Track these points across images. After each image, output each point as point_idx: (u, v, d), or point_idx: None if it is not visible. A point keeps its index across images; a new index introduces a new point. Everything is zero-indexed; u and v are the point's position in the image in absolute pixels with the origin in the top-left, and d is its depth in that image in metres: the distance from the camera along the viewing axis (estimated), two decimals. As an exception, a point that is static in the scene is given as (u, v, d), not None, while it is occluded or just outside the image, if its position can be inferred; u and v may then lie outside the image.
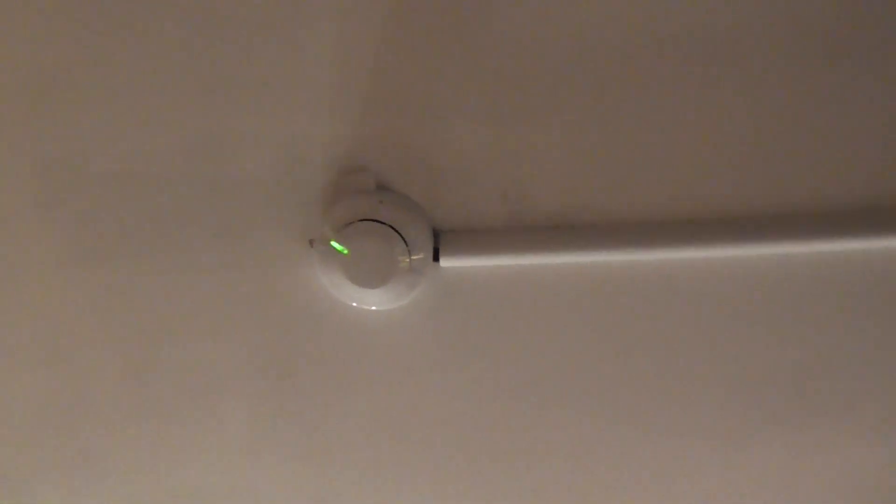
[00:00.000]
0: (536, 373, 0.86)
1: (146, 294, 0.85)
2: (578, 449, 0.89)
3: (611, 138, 0.76)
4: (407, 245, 0.77)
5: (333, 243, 0.75)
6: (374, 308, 0.82)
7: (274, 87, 0.75)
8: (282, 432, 0.91)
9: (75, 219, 0.82)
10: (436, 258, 0.80)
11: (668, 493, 0.91)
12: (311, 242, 0.79)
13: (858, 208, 0.77)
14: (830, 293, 0.80)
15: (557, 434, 0.88)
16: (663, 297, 0.82)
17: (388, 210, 0.77)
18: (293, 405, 0.89)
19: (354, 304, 0.82)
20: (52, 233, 0.83)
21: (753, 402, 0.86)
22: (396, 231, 0.76)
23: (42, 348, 0.88)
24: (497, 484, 0.92)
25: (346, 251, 0.75)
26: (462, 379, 0.86)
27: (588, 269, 0.81)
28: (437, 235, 0.81)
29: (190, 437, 0.92)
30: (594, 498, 0.92)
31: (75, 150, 0.79)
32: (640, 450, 0.89)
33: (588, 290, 0.82)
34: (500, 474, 0.91)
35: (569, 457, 0.89)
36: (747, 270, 0.80)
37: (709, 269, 0.80)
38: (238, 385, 0.89)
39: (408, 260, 0.77)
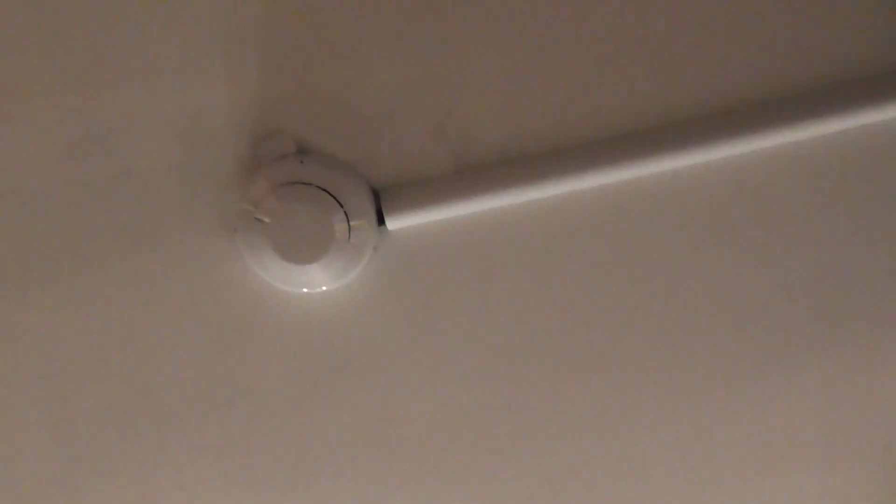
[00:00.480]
0: (517, 332, 0.74)
1: (50, 330, 0.72)
2: (583, 416, 0.77)
3: (547, 53, 0.67)
4: (343, 207, 0.66)
5: (256, 217, 0.65)
6: (323, 289, 0.70)
7: (155, 62, 0.66)
8: (246, 460, 0.77)
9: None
10: (381, 221, 0.70)
11: (684, 445, 0.79)
12: (236, 230, 0.69)
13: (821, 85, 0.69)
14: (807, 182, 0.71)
15: (559, 403, 0.76)
16: (639, 218, 0.71)
17: (314, 170, 0.66)
18: (252, 430, 0.76)
19: (305, 290, 0.70)
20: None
21: (760, 330, 0.75)
22: (327, 192, 0.66)
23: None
24: (503, 471, 0.78)
25: (268, 220, 0.64)
26: (436, 357, 0.74)
27: (550, 202, 0.71)
28: (377, 196, 0.70)
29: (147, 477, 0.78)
30: (601, 473, 0.79)
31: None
32: (640, 401, 0.77)
33: (554, 225, 0.71)
34: (506, 461, 0.78)
35: (575, 428, 0.77)
36: (720, 174, 0.71)
37: (684, 177, 0.71)
38: (183, 415, 0.75)
39: (346, 227, 0.66)
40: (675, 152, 0.69)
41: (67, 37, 0.65)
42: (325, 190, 0.65)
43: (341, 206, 0.66)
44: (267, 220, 0.64)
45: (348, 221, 0.66)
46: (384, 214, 0.69)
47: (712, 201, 0.71)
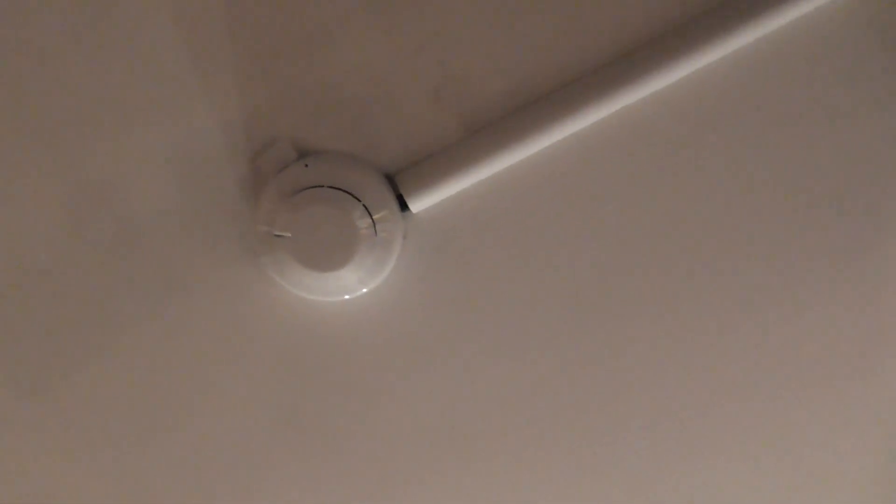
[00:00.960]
0: (567, 286, 0.69)
1: (103, 396, 0.70)
2: (646, 379, 0.72)
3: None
4: (361, 202, 0.62)
5: (276, 235, 0.61)
6: (363, 290, 0.66)
7: (131, 103, 0.62)
8: (320, 474, 0.74)
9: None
10: (403, 207, 0.65)
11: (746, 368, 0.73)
12: (258, 253, 0.65)
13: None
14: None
15: (619, 359, 0.72)
16: (665, 137, 0.66)
17: (321, 170, 0.62)
18: (325, 445, 0.73)
19: (347, 297, 0.67)
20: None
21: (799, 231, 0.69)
22: (341, 190, 0.62)
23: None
24: (571, 447, 0.74)
25: (288, 235, 0.60)
26: (489, 332, 0.70)
27: (572, 139, 0.65)
28: (392, 182, 0.66)
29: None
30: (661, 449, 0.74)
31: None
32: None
33: (581, 162, 0.66)
34: (572, 433, 0.74)
35: (639, 395, 0.72)
36: (721, 77, 0.64)
37: (696, 87, 0.65)
38: (257, 447, 0.73)
39: (370, 221, 0.62)
40: (677, 61, 0.63)
41: (33, 98, 0.62)
42: (338, 188, 0.61)
43: (359, 200, 0.62)
44: (287, 234, 0.61)
45: (370, 215, 0.62)
46: (405, 199, 0.65)
47: (721, 105, 0.65)
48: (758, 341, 0.71)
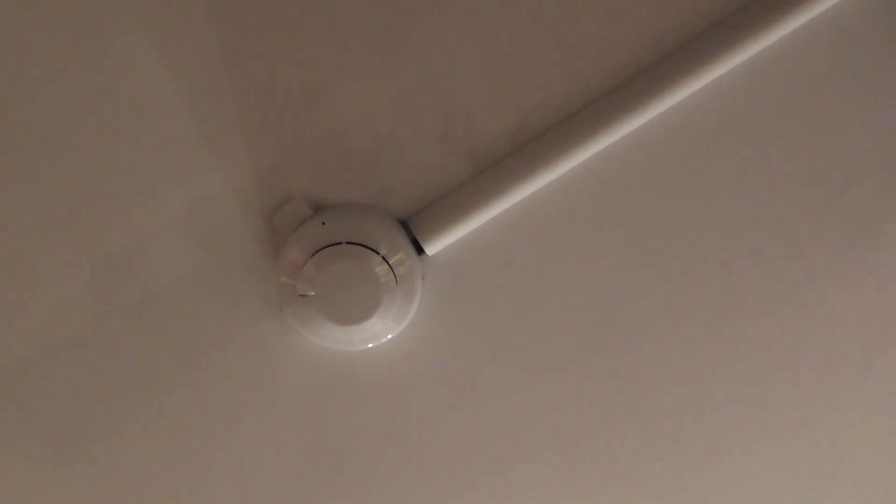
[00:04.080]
0: (585, 310, 0.71)
1: (141, 463, 0.72)
2: (675, 382, 0.74)
3: (523, 24, 0.62)
4: (379, 253, 0.63)
5: (301, 294, 0.62)
6: (388, 338, 0.68)
7: (143, 174, 0.63)
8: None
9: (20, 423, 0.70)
10: (419, 251, 0.67)
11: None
12: (281, 308, 0.66)
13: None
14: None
15: (648, 376, 0.74)
16: (669, 156, 0.67)
17: (338, 227, 0.63)
18: (362, 490, 0.76)
19: (370, 346, 0.68)
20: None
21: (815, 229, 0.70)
22: (360, 245, 0.63)
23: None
24: (613, 456, 0.77)
25: (312, 293, 0.62)
26: (517, 361, 0.72)
27: (583, 167, 0.66)
28: (406, 227, 0.67)
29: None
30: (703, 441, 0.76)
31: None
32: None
33: (594, 190, 0.67)
34: (613, 442, 0.76)
35: (666, 398, 0.74)
36: (715, 99, 0.65)
37: (696, 107, 0.65)
38: (294, 497, 0.75)
39: (389, 270, 0.63)
40: (684, 78, 0.64)
41: (49, 176, 0.62)
42: (356, 244, 0.63)
43: (377, 252, 0.63)
44: (311, 293, 0.62)
45: (389, 265, 0.63)
46: (420, 242, 0.66)
47: (724, 125, 0.66)
48: (770, 350, 0.73)
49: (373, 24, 0.61)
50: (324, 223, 0.63)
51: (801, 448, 0.78)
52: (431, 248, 0.66)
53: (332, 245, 0.62)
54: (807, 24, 0.63)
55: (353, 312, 0.62)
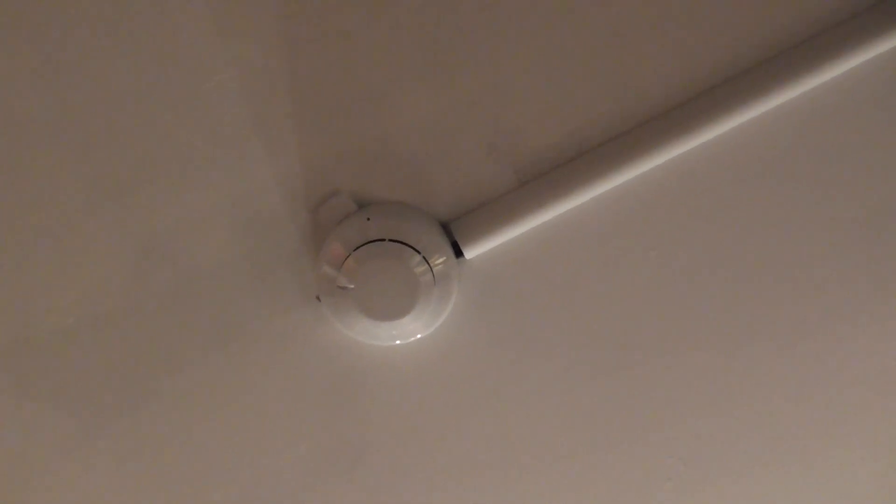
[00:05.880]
0: (614, 326, 0.72)
1: (166, 442, 0.73)
2: (702, 389, 0.75)
3: (579, 41, 0.63)
4: (420, 253, 0.64)
5: (340, 286, 0.64)
6: (418, 336, 0.69)
7: (193, 157, 0.64)
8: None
9: (53, 396, 0.71)
10: (458, 254, 0.68)
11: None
12: (318, 298, 0.68)
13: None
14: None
15: (676, 382, 0.75)
16: (707, 187, 0.68)
17: (382, 224, 0.65)
18: (379, 484, 0.77)
19: (399, 343, 0.69)
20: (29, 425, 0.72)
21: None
22: (401, 243, 0.64)
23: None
24: (636, 459, 0.78)
25: (351, 287, 0.63)
26: (544, 369, 0.73)
27: (624, 187, 0.68)
28: (447, 229, 0.68)
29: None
30: (731, 441, 0.77)
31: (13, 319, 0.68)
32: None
33: (633, 210, 0.69)
34: (638, 447, 0.77)
35: (698, 403, 0.76)
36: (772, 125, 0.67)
37: (744, 140, 0.67)
38: (313, 487, 0.76)
39: (428, 271, 0.64)
40: (725, 113, 0.65)
41: (104, 153, 0.64)
42: (398, 241, 0.64)
43: (418, 252, 0.64)
44: (350, 286, 0.63)
45: (429, 265, 0.65)
46: (460, 246, 0.67)
47: (763, 154, 0.68)
48: (789, 383, 0.75)
49: (433, 37, 0.62)
50: (368, 219, 0.65)
51: (808, 481, 0.79)
52: (470, 252, 0.67)
53: (375, 241, 0.64)
54: (855, 67, 0.64)
55: (390, 308, 0.64)
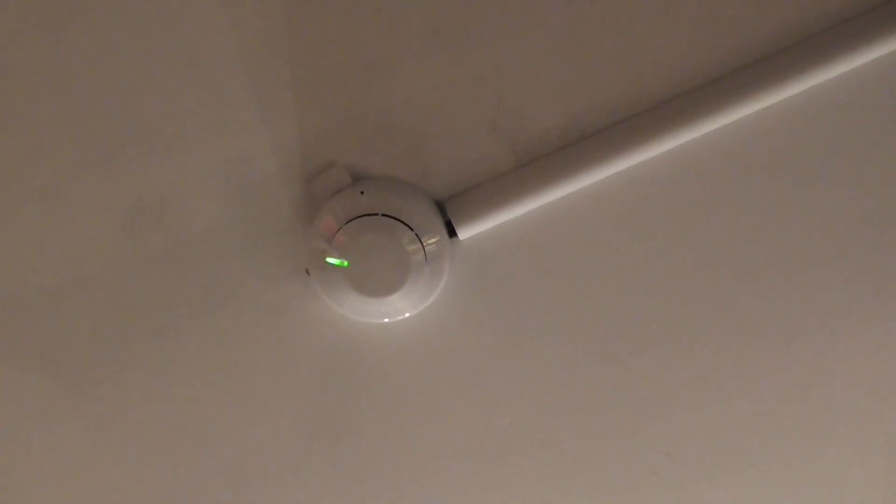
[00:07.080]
0: (605, 313, 0.71)
1: (148, 405, 0.73)
2: (692, 382, 0.74)
3: (583, 23, 0.62)
4: (412, 229, 0.63)
5: (329, 260, 0.63)
6: (406, 315, 0.68)
7: (189, 121, 0.63)
8: (359, 491, 0.78)
9: (37, 352, 0.70)
10: (452, 233, 0.67)
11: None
12: (307, 272, 0.67)
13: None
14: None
15: (666, 374, 0.74)
16: (710, 177, 0.67)
17: (375, 198, 0.64)
18: (363, 460, 0.76)
19: (386, 321, 0.69)
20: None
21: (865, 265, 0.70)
22: (394, 218, 0.63)
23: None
24: (622, 451, 0.77)
25: (346, 263, 0.62)
26: (532, 354, 0.72)
27: (623, 175, 0.67)
28: (442, 209, 0.67)
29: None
30: (720, 436, 0.77)
31: None
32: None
33: (632, 197, 0.68)
34: (623, 440, 0.77)
35: (687, 396, 0.75)
36: (773, 120, 0.65)
37: (748, 133, 0.65)
38: (294, 461, 0.76)
39: (420, 249, 0.63)
40: (729, 104, 0.64)
41: (98, 111, 0.63)
42: (391, 217, 0.63)
43: (411, 228, 0.63)
44: (340, 260, 0.62)
45: (421, 243, 0.64)
46: (454, 226, 0.66)
47: (766, 143, 0.67)
48: (782, 381, 0.74)
49: (441, 11, 0.61)
50: (362, 193, 0.64)
51: (795, 480, 0.78)
52: (464, 233, 0.66)
53: (367, 215, 0.63)
54: (866, 64, 0.63)
55: (380, 284, 0.63)
